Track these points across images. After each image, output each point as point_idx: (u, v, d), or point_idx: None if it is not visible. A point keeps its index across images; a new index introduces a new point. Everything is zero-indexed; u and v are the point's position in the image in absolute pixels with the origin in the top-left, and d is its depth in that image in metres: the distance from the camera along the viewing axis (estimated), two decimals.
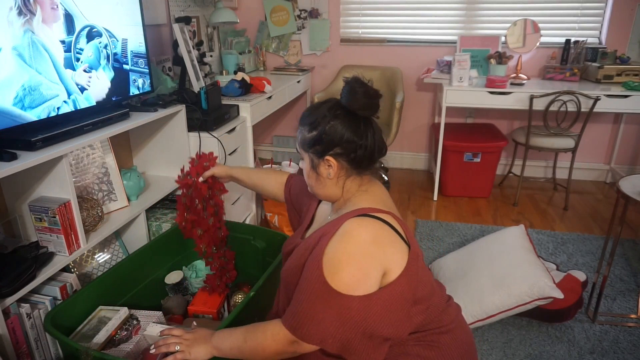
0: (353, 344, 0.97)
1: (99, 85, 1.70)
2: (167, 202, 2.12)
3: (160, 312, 1.49)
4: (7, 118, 1.33)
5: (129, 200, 1.90)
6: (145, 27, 1.92)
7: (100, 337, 1.33)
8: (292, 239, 1.27)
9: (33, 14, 1.37)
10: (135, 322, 1.44)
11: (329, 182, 1.10)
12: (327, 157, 1.06)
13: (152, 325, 1.34)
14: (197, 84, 2.34)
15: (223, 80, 2.78)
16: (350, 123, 1.05)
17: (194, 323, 1.20)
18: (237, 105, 2.43)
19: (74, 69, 1.57)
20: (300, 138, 1.11)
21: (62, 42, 1.51)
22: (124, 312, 1.43)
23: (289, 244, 1.25)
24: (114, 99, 1.79)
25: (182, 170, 1.56)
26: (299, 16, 3.57)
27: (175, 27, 2.25)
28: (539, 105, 2.80)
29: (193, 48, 2.43)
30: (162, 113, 1.94)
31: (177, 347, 1.08)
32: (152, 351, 1.11)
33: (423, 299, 1.06)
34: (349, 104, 1.05)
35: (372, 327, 0.96)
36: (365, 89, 1.05)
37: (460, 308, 1.24)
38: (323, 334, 0.96)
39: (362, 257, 0.96)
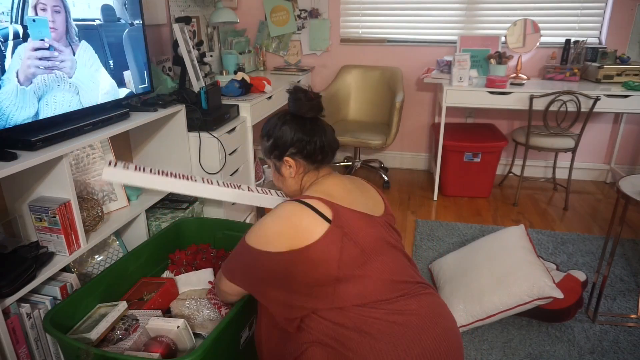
0: (253, 286, 1.19)
1: (98, 85, 1.70)
2: (167, 202, 2.13)
3: (159, 311, 1.49)
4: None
5: (129, 200, 1.90)
6: (145, 27, 1.92)
7: (101, 328, 1.35)
8: None
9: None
10: (134, 322, 1.45)
11: (291, 181, 1.30)
12: (286, 158, 1.26)
13: (152, 319, 1.35)
14: (197, 84, 2.34)
15: (223, 80, 2.78)
16: (297, 125, 1.25)
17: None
18: (237, 105, 2.43)
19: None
20: (262, 148, 1.31)
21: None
22: (122, 305, 1.44)
23: None
24: (113, 99, 1.79)
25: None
26: (299, 16, 3.57)
27: (175, 27, 2.25)
28: (539, 105, 2.80)
29: (193, 48, 2.43)
30: (162, 113, 1.94)
31: None
32: None
33: (350, 280, 1.09)
34: (296, 110, 1.26)
35: (266, 278, 1.14)
36: (306, 94, 1.25)
37: (432, 303, 1.14)
38: (232, 271, 1.23)
39: (274, 225, 1.13)
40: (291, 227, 1.11)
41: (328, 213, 1.13)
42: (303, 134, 1.24)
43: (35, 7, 1.37)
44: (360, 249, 1.11)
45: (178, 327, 1.30)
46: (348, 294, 1.08)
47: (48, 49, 1.43)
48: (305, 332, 1.11)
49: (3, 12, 1.28)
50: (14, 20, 1.31)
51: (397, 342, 1.03)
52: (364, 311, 1.07)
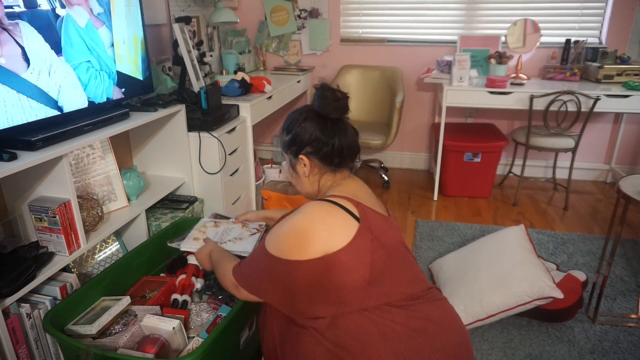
0: (277, 299, 1.12)
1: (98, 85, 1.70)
2: (167, 202, 2.13)
3: (158, 307, 1.49)
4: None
5: (129, 200, 1.90)
6: (145, 27, 1.92)
7: (102, 321, 1.35)
8: None
9: None
10: (133, 317, 1.45)
11: (305, 180, 1.24)
12: (301, 156, 1.20)
13: (148, 317, 1.35)
14: (197, 84, 2.34)
15: (223, 80, 2.78)
16: (318, 124, 1.18)
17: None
18: (237, 105, 2.43)
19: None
20: (281, 142, 1.27)
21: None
22: (126, 300, 1.45)
23: None
24: (113, 98, 1.79)
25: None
26: (299, 16, 3.57)
27: (175, 27, 2.25)
28: (539, 105, 2.80)
29: (193, 48, 2.43)
30: (162, 113, 1.94)
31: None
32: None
33: (379, 282, 1.07)
34: (320, 109, 1.18)
35: (292, 291, 1.08)
36: (333, 92, 1.18)
37: (449, 310, 1.17)
38: (252, 283, 1.15)
39: (307, 228, 1.06)
40: (326, 227, 1.05)
41: (355, 211, 1.09)
42: (322, 134, 1.18)
43: None
44: (386, 252, 1.09)
45: (173, 328, 1.30)
46: (375, 295, 1.06)
47: None
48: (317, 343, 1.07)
49: None
50: None
51: (419, 349, 1.03)
52: (386, 312, 1.05)
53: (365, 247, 1.06)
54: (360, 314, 1.05)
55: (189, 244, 1.55)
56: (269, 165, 3.00)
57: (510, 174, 3.50)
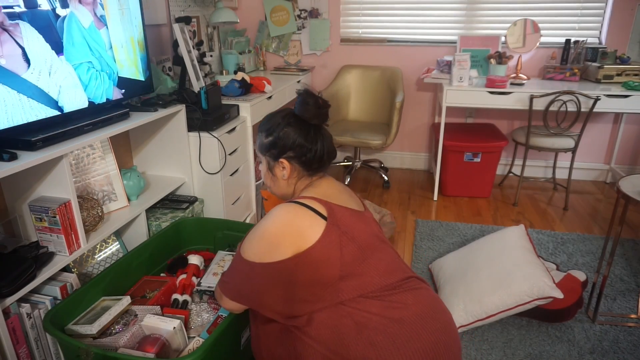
0: (257, 302, 1.15)
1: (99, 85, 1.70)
2: (167, 202, 2.13)
3: (158, 307, 1.49)
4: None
5: (129, 200, 1.90)
6: (145, 27, 1.92)
7: (103, 321, 1.36)
8: None
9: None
10: (133, 317, 1.45)
11: (283, 183, 1.28)
12: (281, 160, 1.23)
13: (149, 317, 1.36)
14: (197, 84, 2.34)
15: (223, 80, 2.78)
16: (301, 130, 1.21)
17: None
18: (237, 105, 2.43)
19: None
20: (259, 143, 1.28)
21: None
22: (126, 300, 1.46)
23: None
24: (113, 99, 1.79)
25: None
26: (299, 16, 3.57)
27: (175, 27, 2.25)
28: (539, 105, 2.80)
29: (193, 48, 2.43)
30: (162, 113, 1.94)
31: None
32: None
33: (352, 275, 1.09)
34: (302, 114, 1.21)
35: (269, 291, 1.11)
36: (316, 100, 1.21)
37: (428, 298, 1.16)
38: (234, 290, 1.19)
39: (276, 230, 1.10)
40: (294, 228, 1.09)
41: (323, 211, 1.12)
42: (305, 140, 1.21)
43: None
44: (357, 245, 1.12)
45: (174, 328, 1.31)
46: (349, 288, 1.08)
47: None
48: (300, 341, 1.11)
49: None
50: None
51: (395, 338, 1.05)
52: (361, 304, 1.08)
53: (334, 242, 1.09)
54: (336, 308, 1.07)
55: (208, 279, 1.61)
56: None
57: (510, 174, 3.50)
